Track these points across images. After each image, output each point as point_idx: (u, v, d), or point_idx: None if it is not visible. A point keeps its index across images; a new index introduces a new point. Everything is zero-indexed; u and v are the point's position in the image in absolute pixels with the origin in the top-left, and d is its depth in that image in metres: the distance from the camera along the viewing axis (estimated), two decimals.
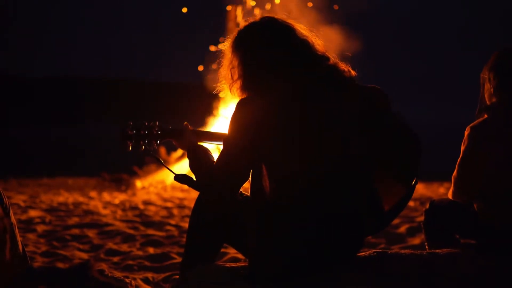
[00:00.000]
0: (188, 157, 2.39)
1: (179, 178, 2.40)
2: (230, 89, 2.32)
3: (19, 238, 2.62)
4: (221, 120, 11.55)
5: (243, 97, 2.27)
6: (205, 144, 2.58)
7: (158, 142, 2.53)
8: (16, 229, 2.61)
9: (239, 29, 2.34)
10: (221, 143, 2.58)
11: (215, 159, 2.32)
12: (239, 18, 11.49)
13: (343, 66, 2.29)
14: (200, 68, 11.20)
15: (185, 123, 2.54)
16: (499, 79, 2.68)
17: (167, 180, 10.62)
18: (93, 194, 9.15)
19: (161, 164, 2.54)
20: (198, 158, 2.36)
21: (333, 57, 2.30)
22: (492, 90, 2.72)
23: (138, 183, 10.23)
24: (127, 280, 2.90)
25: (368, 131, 2.25)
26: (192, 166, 2.36)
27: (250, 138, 2.16)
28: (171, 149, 10.46)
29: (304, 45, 2.26)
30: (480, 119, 2.71)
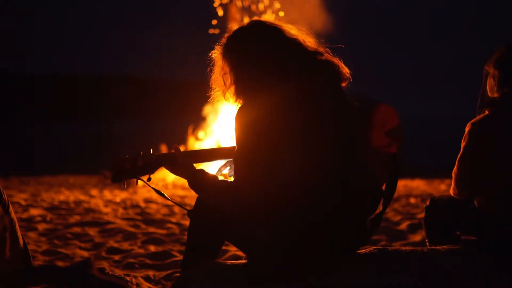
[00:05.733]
0: (192, 187, 2.28)
1: (193, 212, 2.37)
2: (224, 96, 2.30)
3: (20, 236, 2.61)
4: (221, 119, 11.55)
5: (238, 102, 2.26)
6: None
7: (153, 172, 2.41)
8: (17, 226, 2.60)
9: (227, 35, 2.33)
10: (219, 160, 2.49)
11: (225, 181, 2.27)
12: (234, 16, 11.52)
13: (336, 61, 2.29)
14: None
15: (175, 145, 2.44)
16: (503, 75, 2.68)
17: (168, 178, 10.63)
18: (94, 192, 9.16)
19: (167, 198, 2.43)
20: (209, 189, 2.26)
21: (325, 52, 2.30)
22: (495, 85, 2.72)
23: (139, 181, 10.23)
24: (128, 278, 2.90)
25: (360, 122, 2.26)
26: (204, 193, 2.28)
27: (261, 143, 2.14)
28: None
29: (295, 43, 2.26)
30: (481, 116, 2.71)
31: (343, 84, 2.28)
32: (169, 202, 7.71)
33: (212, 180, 2.26)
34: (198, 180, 2.28)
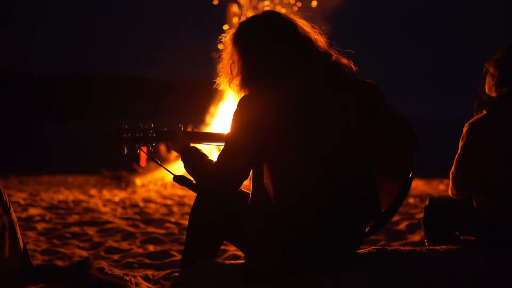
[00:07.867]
0: (182, 159, 2.41)
1: (178, 179, 2.42)
2: (230, 85, 2.30)
3: (19, 236, 2.61)
4: (220, 118, 11.56)
5: (242, 93, 2.26)
6: (201, 145, 2.59)
7: (154, 144, 2.56)
8: (17, 227, 2.60)
9: (240, 22, 2.31)
10: (218, 143, 2.60)
11: (210, 160, 2.33)
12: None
13: (345, 62, 2.27)
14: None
15: (180, 125, 2.56)
16: (502, 75, 2.69)
17: (167, 177, 10.63)
18: (93, 192, 9.15)
19: (159, 165, 2.55)
20: (193, 159, 2.37)
21: (335, 54, 2.28)
22: (494, 85, 2.72)
23: (138, 181, 10.24)
24: (126, 278, 2.90)
25: (367, 128, 2.25)
26: (187, 167, 2.37)
27: (252, 137, 2.15)
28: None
29: (306, 41, 2.23)
30: (479, 116, 2.71)
31: (351, 85, 2.26)
32: (168, 202, 7.72)
33: (198, 156, 2.37)
34: (188, 154, 2.40)
